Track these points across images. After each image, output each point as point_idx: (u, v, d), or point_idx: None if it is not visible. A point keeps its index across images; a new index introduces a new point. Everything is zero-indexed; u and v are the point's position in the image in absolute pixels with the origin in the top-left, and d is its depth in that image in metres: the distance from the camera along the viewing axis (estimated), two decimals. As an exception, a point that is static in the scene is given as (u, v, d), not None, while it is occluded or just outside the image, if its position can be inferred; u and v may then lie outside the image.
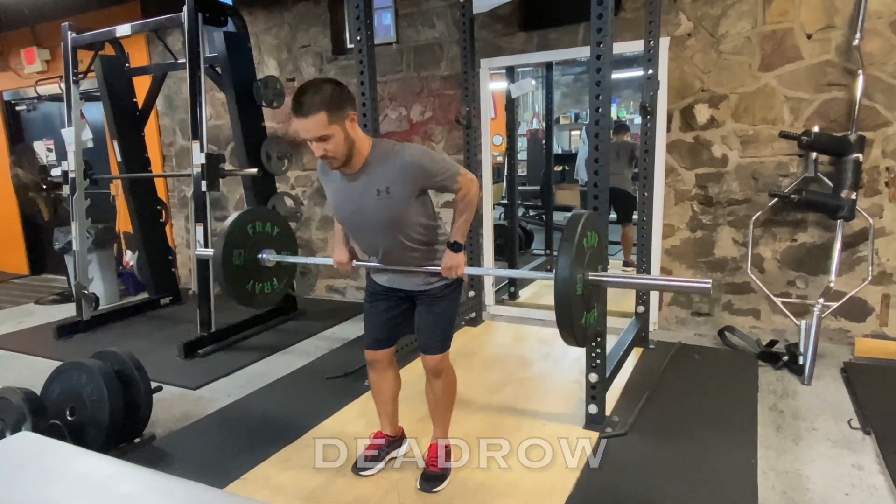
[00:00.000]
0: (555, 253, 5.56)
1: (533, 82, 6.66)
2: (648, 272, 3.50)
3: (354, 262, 2.19)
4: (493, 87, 4.32)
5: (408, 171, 1.87)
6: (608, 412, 2.64)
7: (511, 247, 4.62)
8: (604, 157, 2.35)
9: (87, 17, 5.19)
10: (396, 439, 2.38)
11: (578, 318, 1.72)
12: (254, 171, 3.97)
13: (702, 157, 3.60)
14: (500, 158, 5.97)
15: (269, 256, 2.42)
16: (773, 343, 3.37)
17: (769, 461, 2.29)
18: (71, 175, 4.27)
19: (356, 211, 1.96)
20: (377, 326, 2.22)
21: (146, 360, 2.70)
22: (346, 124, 1.80)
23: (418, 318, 2.15)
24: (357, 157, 1.88)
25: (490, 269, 1.87)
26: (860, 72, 3.09)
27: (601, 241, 1.89)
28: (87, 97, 4.81)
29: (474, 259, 3.97)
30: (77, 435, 2.39)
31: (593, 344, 2.49)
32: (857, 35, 3.08)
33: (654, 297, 3.71)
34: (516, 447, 2.43)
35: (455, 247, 2.00)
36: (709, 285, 1.69)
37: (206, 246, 3.71)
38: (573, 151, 8.38)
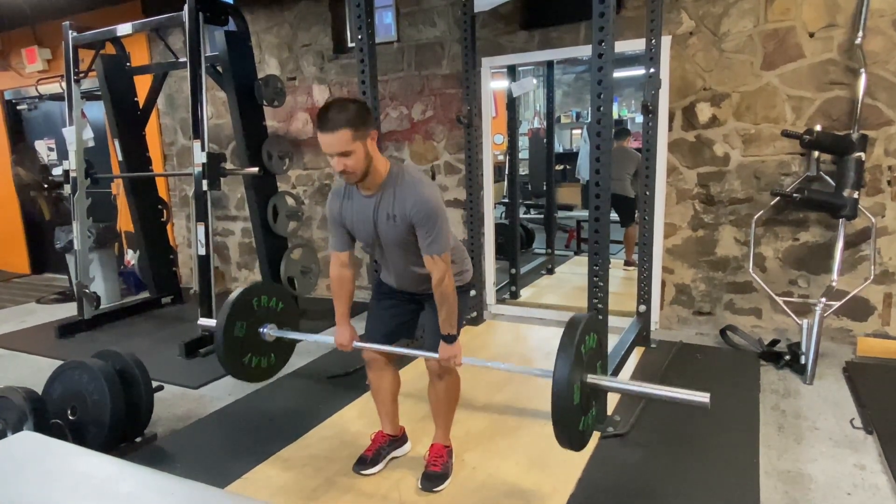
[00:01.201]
0: (556, 252, 5.56)
1: (534, 81, 6.65)
2: (650, 271, 3.50)
3: (355, 344, 2.21)
4: (494, 85, 4.32)
5: (410, 204, 1.92)
6: (609, 412, 2.64)
7: (512, 246, 4.62)
8: (605, 156, 2.35)
9: (88, 16, 5.20)
10: (398, 438, 2.38)
11: (576, 424, 1.74)
12: (255, 170, 3.96)
13: (703, 156, 3.60)
14: (501, 157, 5.97)
15: (270, 331, 2.44)
16: (774, 342, 3.37)
17: (771, 461, 2.29)
18: (72, 174, 4.27)
19: (373, 231, 2.02)
20: (380, 325, 2.24)
21: (147, 360, 2.70)
22: (367, 142, 1.88)
23: (424, 320, 2.17)
24: (374, 176, 1.94)
25: (485, 363, 1.89)
26: (862, 70, 3.08)
27: (600, 340, 1.93)
28: (89, 96, 4.82)
29: (475, 259, 3.97)
30: (78, 434, 2.39)
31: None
32: (860, 33, 3.07)
33: (655, 296, 3.70)
34: (518, 447, 2.43)
35: (448, 339, 2.04)
36: (706, 400, 1.72)
37: (206, 244, 3.71)
38: (574, 150, 8.38)
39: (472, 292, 3.94)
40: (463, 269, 2.19)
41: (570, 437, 1.72)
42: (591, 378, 1.80)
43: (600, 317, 2.39)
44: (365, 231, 2.04)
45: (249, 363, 2.43)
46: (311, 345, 3.83)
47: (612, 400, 2.73)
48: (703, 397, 1.73)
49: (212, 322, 2.40)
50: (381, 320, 2.24)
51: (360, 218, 2.03)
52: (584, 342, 1.76)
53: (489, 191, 4.21)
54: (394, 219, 1.95)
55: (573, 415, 1.70)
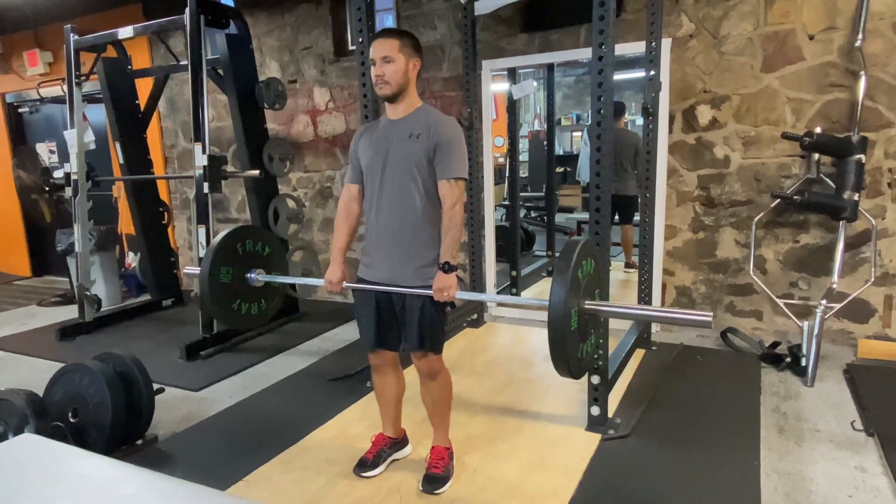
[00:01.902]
0: (557, 254, 5.56)
1: (534, 84, 6.65)
2: (650, 273, 3.50)
3: (345, 284, 2.18)
4: (494, 88, 4.32)
5: (439, 126, 1.99)
6: (610, 414, 2.63)
7: (513, 248, 4.62)
8: (606, 159, 2.35)
9: (90, 19, 5.21)
10: (398, 441, 2.38)
11: (574, 351, 1.68)
12: (256, 172, 3.97)
13: (704, 159, 3.60)
14: (501, 160, 5.97)
15: (257, 276, 2.38)
16: (775, 344, 3.37)
17: (772, 463, 2.29)
18: (73, 177, 4.27)
19: (382, 153, 2.04)
20: (372, 327, 2.17)
21: (148, 362, 2.70)
22: (410, 62, 2.00)
23: (403, 316, 2.10)
24: (406, 101, 2.04)
25: (482, 295, 1.82)
26: (862, 73, 3.08)
27: (598, 267, 1.85)
28: (90, 99, 4.83)
29: (476, 260, 3.97)
30: (79, 437, 2.39)
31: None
32: (860, 36, 3.07)
33: (656, 297, 3.70)
34: (518, 449, 2.43)
35: (446, 268, 1.97)
36: (710, 318, 1.68)
37: (207, 247, 3.71)
38: (575, 153, 8.38)
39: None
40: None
41: (568, 364, 1.66)
42: (589, 304, 1.75)
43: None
44: (375, 152, 2.06)
45: (239, 309, 2.37)
46: (312, 348, 3.85)
47: (613, 402, 2.73)
48: (705, 316, 1.67)
49: (196, 269, 2.35)
50: (372, 322, 2.16)
51: (377, 141, 2.07)
52: (580, 267, 1.69)
53: (490, 193, 4.22)
54: (416, 136, 1.99)
55: (571, 341, 1.65)
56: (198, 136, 3.67)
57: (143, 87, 4.70)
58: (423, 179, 2.01)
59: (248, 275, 2.38)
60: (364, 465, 2.28)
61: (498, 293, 4.42)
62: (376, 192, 2.07)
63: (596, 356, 1.85)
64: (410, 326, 2.08)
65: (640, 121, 4.50)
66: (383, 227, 2.07)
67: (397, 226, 2.04)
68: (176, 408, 3.02)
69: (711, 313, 1.72)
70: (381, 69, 1.96)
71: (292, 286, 4.37)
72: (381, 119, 2.14)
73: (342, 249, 2.19)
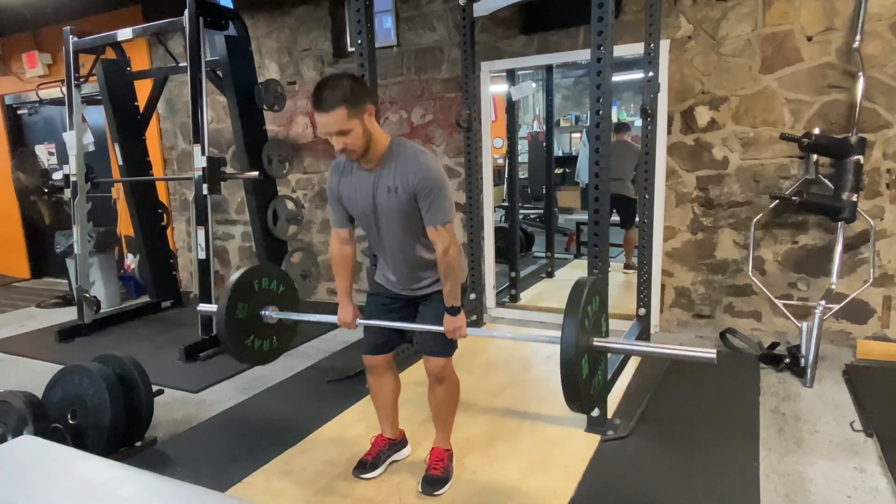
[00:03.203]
0: (555, 256, 5.55)
1: (533, 85, 6.66)
2: (649, 274, 3.50)
3: (358, 321, 2.20)
4: (493, 89, 4.33)
5: (412, 174, 1.89)
6: (610, 415, 2.64)
7: (512, 249, 4.62)
8: (605, 160, 2.35)
9: (89, 21, 5.21)
10: (397, 442, 2.38)
11: (587, 391, 1.77)
12: (255, 174, 3.97)
13: (702, 160, 3.60)
14: (500, 161, 5.98)
15: (272, 313, 2.42)
16: (774, 345, 3.37)
17: (771, 463, 2.29)
18: (72, 179, 4.27)
19: (371, 205, 1.98)
20: (377, 330, 2.21)
21: (147, 364, 2.70)
22: (364, 118, 1.84)
23: (420, 320, 2.14)
24: (374, 151, 1.91)
25: (492, 332, 1.85)
26: (860, 74, 3.09)
27: (603, 302, 1.94)
28: (89, 101, 4.83)
29: (475, 262, 3.97)
30: (78, 438, 2.39)
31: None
32: (858, 37, 3.08)
33: (655, 299, 3.71)
34: (518, 450, 2.43)
35: (452, 311, 2.00)
36: (713, 356, 1.73)
37: (206, 248, 3.71)
38: (574, 154, 8.39)
39: (472, 296, 3.97)
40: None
41: (581, 404, 1.75)
42: (598, 342, 1.82)
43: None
44: (363, 205, 1.99)
45: (252, 345, 2.40)
46: (311, 350, 3.84)
47: (613, 403, 2.73)
48: (709, 353, 1.72)
49: (212, 307, 2.37)
50: (381, 328, 2.21)
51: (359, 192, 1.98)
52: (587, 312, 1.77)
53: (489, 194, 4.22)
54: (395, 191, 1.91)
55: (584, 386, 1.73)
56: (197, 137, 3.67)
57: (143, 88, 4.70)
58: (416, 224, 1.98)
59: (263, 311, 2.41)
60: (363, 466, 2.27)
61: (497, 294, 4.42)
62: (376, 236, 2.08)
63: (603, 390, 1.98)
64: (424, 331, 2.11)
65: (638, 122, 4.50)
66: (392, 262, 2.10)
67: (405, 262, 2.07)
68: (175, 409, 3.02)
69: (715, 350, 1.77)
70: (341, 143, 1.82)
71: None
72: (353, 164, 2.01)
73: (347, 290, 2.20)
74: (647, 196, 3.41)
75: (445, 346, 2.11)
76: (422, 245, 2.02)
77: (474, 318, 4.05)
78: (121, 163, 4.65)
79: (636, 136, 5.27)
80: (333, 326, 4.25)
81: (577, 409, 1.76)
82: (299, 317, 2.48)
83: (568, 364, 1.68)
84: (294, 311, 2.52)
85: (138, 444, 2.58)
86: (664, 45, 3.45)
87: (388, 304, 2.19)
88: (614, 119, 7.49)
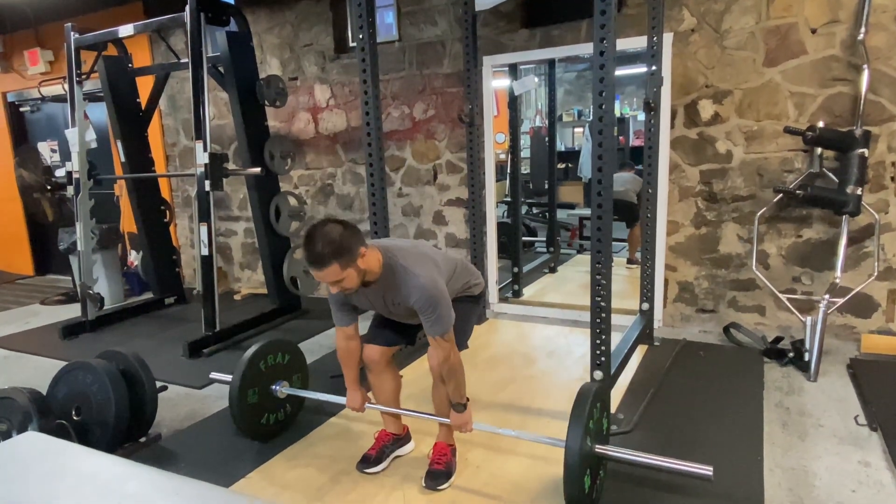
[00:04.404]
0: (559, 251, 5.55)
1: (536, 79, 6.64)
2: (652, 269, 3.49)
3: (367, 406, 2.31)
4: (495, 84, 4.31)
5: (409, 297, 1.96)
6: (613, 410, 2.63)
7: (514, 244, 4.62)
8: (608, 154, 2.34)
9: (90, 17, 5.21)
10: (401, 437, 2.39)
11: (589, 501, 1.87)
12: (257, 170, 3.97)
13: (706, 154, 3.59)
14: (503, 156, 5.96)
15: (281, 389, 2.53)
16: (778, 339, 3.36)
17: (775, 458, 2.29)
18: (75, 176, 4.28)
19: (382, 308, 2.13)
20: (382, 328, 2.26)
21: (151, 360, 2.70)
22: (356, 264, 1.88)
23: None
24: (371, 277, 1.99)
25: (499, 429, 1.89)
26: (865, 66, 3.07)
27: (604, 406, 2.09)
28: (91, 98, 4.83)
29: (478, 257, 3.96)
30: (83, 434, 2.40)
31: (598, 341, 2.48)
32: (862, 29, 3.06)
33: (658, 294, 3.70)
34: (521, 445, 2.43)
35: (458, 408, 2.12)
36: (710, 472, 1.83)
37: (209, 244, 3.71)
38: (576, 149, 8.36)
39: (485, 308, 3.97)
40: (472, 282, 2.25)
41: None
42: (599, 450, 1.95)
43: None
44: (379, 308, 2.14)
45: (267, 422, 2.53)
46: (315, 345, 3.85)
47: (616, 398, 2.73)
48: (706, 470, 1.84)
49: (227, 378, 2.49)
50: (384, 323, 2.27)
51: (371, 299, 2.10)
52: (591, 418, 1.89)
53: (491, 189, 4.21)
54: (397, 306, 2.04)
55: (586, 500, 1.86)
56: (199, 133, 3.67)
57: (144, 85, 4.70)
58: None
59: (273, 387, 2.53)
60: (367, 461, 2.28)
61: (500, 289, 4.42)
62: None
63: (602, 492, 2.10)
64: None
65: (642, 116, 4.49)
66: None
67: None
68: (179, 405, 3.03)
69: (711, 467, 1.85)
70: (337, 288, 1.91)
71: (293, 281, 4.37)
72: None
73: (355, 380, 2.30)
74: (650, 191, 3.40)
75: (444, 325, 2.07)
76: None
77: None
78: (123, 159, 4.65)
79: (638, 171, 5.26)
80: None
81: None
82: (308, 394, 2.61)
83: (571, 484, 1.80)
84: (302, 374, 2.69)
85: (142, 440, 2.60)
86: (667, 38, 3.44)
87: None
88: (617, 113, 7.47)
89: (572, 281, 5.12)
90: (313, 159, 4.95)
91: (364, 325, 2.25)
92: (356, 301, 2.13)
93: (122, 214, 5.45)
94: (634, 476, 2.19)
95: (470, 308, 2.27)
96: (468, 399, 2.14)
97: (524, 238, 5.68)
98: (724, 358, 3.28)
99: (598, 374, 2.52)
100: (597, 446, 1.93)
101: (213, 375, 2.73)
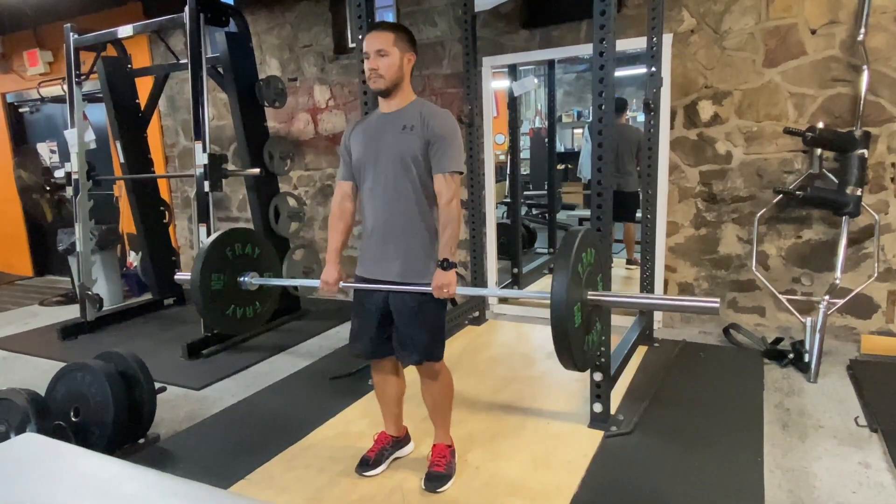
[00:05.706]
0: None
1: (535, 80, 6.64)
2: (652, 270, 3.49)
3: (341, 284, 2.15)
4: (495, 85, 4.31)
5: (432, 117, 1.95)
6: (613, 411, 2.63)
7: (514, 245, 4.61)
8: (607, 155, 2.34)
9: (89, 18, 5.20)
10: (401, 440, 2.38)
11: (579, 345, 1.67)
12: (256, 171, 3.97)
13: (706, 154, 3.59)
14: (502, 157, 5.96)
15: (251, 280, 2.38)
16: (778, 340, 3.36)
17: (775, 459, 2.28)
18: (74, 176, 4.27)
19: (374, 146, 2.01)
20: (368, 343, 2.15)
21: (150, 361, 2.69)
22: (404, 56, 1.97)
23: (396, 318, 2.07)
24: (400, 96, 2.00)
25: (482, 290, 1.82)
26: (865, 67, 3.07)
27: (599, 256, 1.84)
28: (90, 98, 4.82)
29: (477, 258, 3.96)
30: (81, 436, 2.39)
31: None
32: (862, 30, 3.06)
33: (658, 294, 3.69)
34: (521, 446, 2.42)
35: (444, 265, 1.94)
36: (717, 305, 1.66)
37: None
38: (576, 150, 8.36)
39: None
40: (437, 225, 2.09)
41: (574, 359, 1.66)
42: (592, 295, 1.75)
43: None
44: (367, 146, 2.03)
45: (234, 314, 2.38)
46: (314, 347, 3.85)
47: (616, 399, 2.73)
48: (712, 303, 1.66)
49: (186, 276, 2.33)
50: (366, 324, 2.14)
51: (369, 135, 2.04)
52: (580, 259, 1.68)
53: (491, 190, 4.21)
54: (410, 128, 1.96)
55: (575, 335, 1.64)
56: (198, 134, 3.67)
57: (144, 85, 4.70)
58: (417, 174, 1.97)
59: (241, 279, 2.37)
60: (366, 464, 2.27)
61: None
62: (369, 187, 2.04)
63: (601, 348, 1.83)
64: (407, 338, 2.05)
65: (641, 117, 4.49)
66: (376, 222, 2.04)
67: (391, 221, 2.01)
68: (178, 406, 3.02)
69: (718, 299, 1.71)
70: (375, 63, 1.93)
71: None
72: (373, 113, 2.10)
73: (338, 249, 2.16)
74: (649, 191, 3.40)
75: (434, 350, 2.07)
76: (415, 196, 1.98)
77: (476, 314, 4.04)
78: (122, 160, 4.65)
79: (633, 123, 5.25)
80: (335, 324, 4.26)
81: (569, 366, 1.67)
82: (280, 282, 2.46)
83: (558, 312, 1.58)
84: (274, 272, 2.49)
85: (141, 441, 2.59)
86: (667, 38, 3.44)
87: (370, 309, 2.12)
88: (616, 114, 7.44)
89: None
90: (313, 160, 4.94)
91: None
92: (355, 139, 2.06)
93: (121, 215, 5.44)
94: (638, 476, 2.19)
95: (445, 314, 2.15)
96: (457, 264, 1.99)
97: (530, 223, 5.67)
98: (724, 359, 3.28)
99: (598, 376, 2.52)
100: (589, 293, 1.74)
101: (178, 275, 2.51)
